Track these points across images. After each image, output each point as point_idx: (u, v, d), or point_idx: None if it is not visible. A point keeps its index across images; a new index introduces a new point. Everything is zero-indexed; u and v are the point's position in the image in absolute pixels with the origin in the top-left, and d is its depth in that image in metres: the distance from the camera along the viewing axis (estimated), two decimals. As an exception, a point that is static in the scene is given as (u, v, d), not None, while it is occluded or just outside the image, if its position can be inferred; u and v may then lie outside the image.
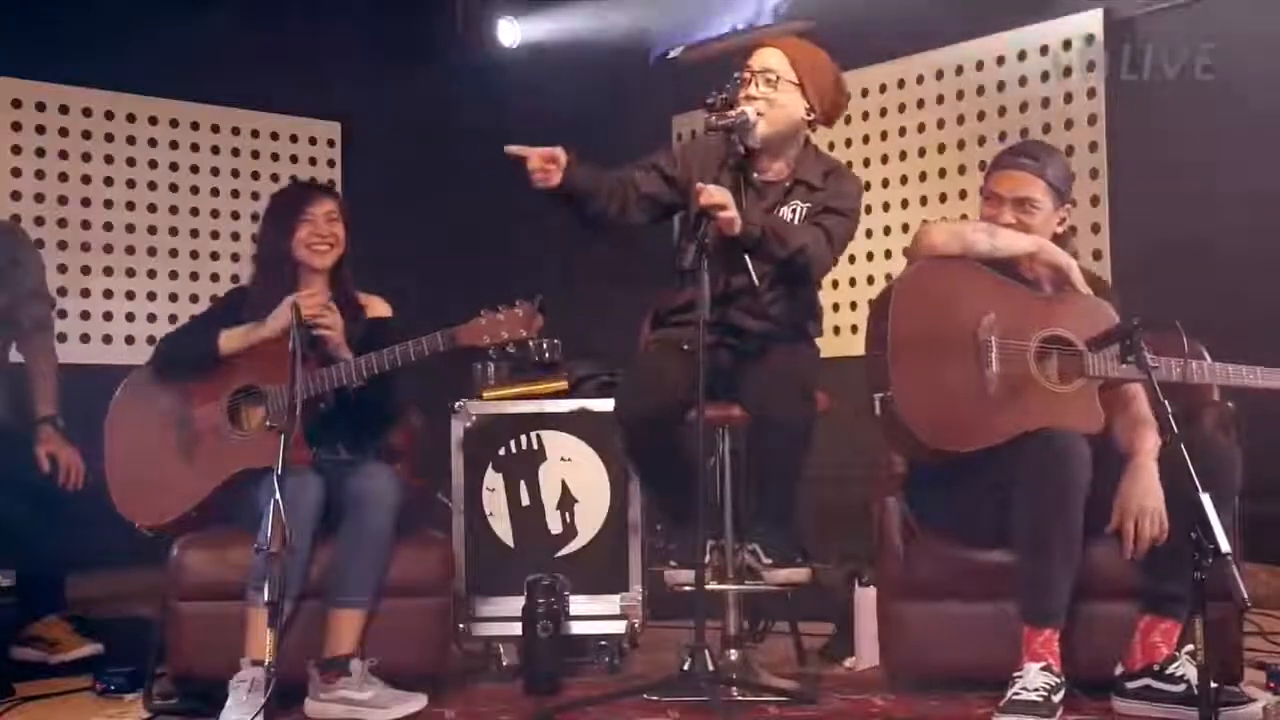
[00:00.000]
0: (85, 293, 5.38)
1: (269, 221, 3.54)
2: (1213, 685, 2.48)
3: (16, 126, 5.26)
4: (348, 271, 3.56)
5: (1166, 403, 2.66)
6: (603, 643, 3.64)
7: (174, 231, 5.59)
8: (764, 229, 3.21)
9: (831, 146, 5.48)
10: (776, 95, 3.37)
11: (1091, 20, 4.87)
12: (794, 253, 3.25)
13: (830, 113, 3.46)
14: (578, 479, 3.66)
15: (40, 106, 5.31)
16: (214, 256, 5.72)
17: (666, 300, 3.54)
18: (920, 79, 5.41)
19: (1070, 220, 3.33)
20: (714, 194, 3.09)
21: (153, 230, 5.56)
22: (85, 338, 5.38)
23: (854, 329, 5.29)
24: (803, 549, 3.43)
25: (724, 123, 3.26)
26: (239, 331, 3.37)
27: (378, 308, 3.61)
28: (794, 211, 3.41)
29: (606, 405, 3.54)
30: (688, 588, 3.22)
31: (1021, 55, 5.10)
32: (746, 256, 3.28)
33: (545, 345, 3.72)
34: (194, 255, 5.63)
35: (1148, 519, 2.97)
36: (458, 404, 3.70)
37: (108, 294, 5.44)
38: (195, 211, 5.64)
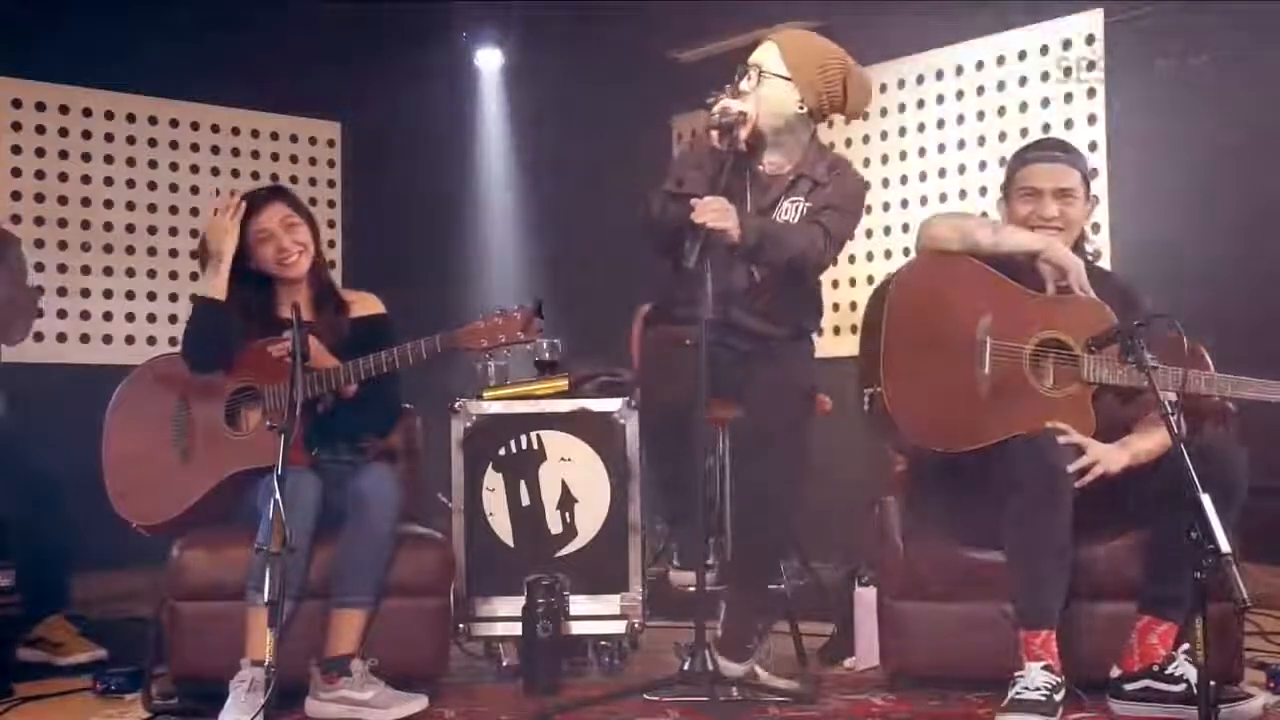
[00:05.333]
0: (85, 293, 5.38)
1: None
2: (1212, 685, 2.48)
3: (16, 126, 5.26)
4: (326, 273, 3.56)
5: (1169, 403, 2.67)
6: (603, 643, 3.64)
7: (174, 231, 5.59)
8: (761, 238, 3.23)
9: (832, 146, 5.49)
10: (760, 90, 3.38)
11: (1091, 20, 4.87)
12: (790, 258, 3.29)
13: (826, 104, 3.44)
14: (578, 479, 3.66)
15: (40, 106, 5.31)
16: (214, 256, 5.71)
17: (669, 299, 3.54)
18: (921, 79, 5.42)
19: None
20: (705, 211, 3.10)
21: (153, 230, 5.56)
22: (85, 338, 5.38)
23: (854, 329, 5.25)
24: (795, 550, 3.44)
25: (714, 120, 3.27)
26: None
27: (369, 304, 3.58)
28: (795, 205, 3.42)
29: (606, 405, 3.56)
30: (691, 589, 3.22)
31: (1021, 55, 5.10)
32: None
33: (545, 345, 3.73)
34: (194, 255, 5.61)
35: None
36: (458, 404, 3.70)
37: (108, 294, 5.44)
38: (195, 211, 5.63)
